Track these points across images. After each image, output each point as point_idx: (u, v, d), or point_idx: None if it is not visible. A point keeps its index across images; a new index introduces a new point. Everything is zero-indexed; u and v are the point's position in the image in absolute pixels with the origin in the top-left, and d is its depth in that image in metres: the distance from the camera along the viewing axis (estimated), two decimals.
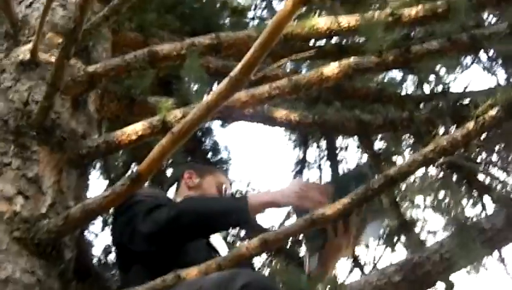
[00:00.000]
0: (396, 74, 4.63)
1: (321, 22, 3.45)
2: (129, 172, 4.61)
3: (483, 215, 3.90)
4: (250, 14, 5.53)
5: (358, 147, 5.47)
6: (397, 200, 4.59)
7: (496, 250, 1.79)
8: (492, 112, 2.20)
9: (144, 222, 2.55)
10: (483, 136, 3.61)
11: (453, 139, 2.26)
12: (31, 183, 2.60)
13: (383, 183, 2.29)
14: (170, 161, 4.95)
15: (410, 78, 4.56)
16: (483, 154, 4.16)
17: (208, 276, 2.25)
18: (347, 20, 3.43)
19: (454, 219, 1.75)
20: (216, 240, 2.78)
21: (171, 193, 3.04)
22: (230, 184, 3.16)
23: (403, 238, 5.09)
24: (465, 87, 4.01)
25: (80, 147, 2.86)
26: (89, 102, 3.14)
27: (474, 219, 2.27)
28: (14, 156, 2.64)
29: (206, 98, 2.25)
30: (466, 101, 3.82)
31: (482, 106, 2.22)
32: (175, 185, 3.08)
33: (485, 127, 2.23)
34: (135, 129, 2.90)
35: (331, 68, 3.04)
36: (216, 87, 2.22)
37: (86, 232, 3.82)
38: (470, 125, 2.24)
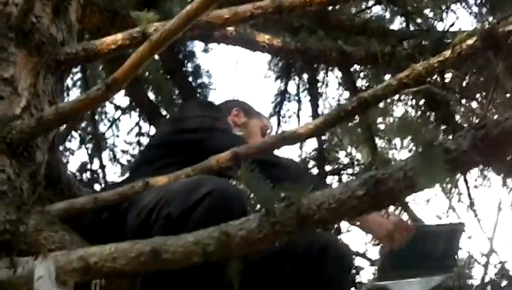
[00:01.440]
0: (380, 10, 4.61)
1: None
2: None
3: None
4: None
5: (339, 84, 5.49)
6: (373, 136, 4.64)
7: (460, 173, 1.81)
8: (470, 41, 2.21)
9: None
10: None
11: (429, 66, 2.27)
12: (7, 84, 2.58)
13: (356, 106, 2.30)
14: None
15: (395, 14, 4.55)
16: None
17: (175, 182, 2.27)
18: None
19: (418, 136, 1.76)
20: None
21: None
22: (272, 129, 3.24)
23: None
24: (449, 26, 4.01)
25: (58, 53, 2.83)
26: (70, 10, 3.10)
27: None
28: None
29: (186, 8, 2.24)
30: (449, 40, 3.83)
31: (460, 35, 2.22)
32: None
33: (461, 56, 2.23)
34: (115, 39, 2.89)
35: None
36: None
37: (59, 141, 3.82)
38: (447, 52, 2.25)
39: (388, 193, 1.81)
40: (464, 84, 3.48)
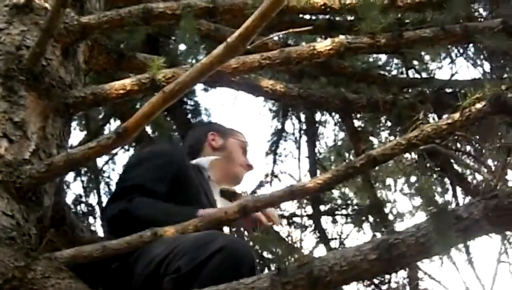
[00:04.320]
0: (382, 58, 4.66)
1: None
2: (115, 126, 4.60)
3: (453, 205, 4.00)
4: None
5: (335, 124, 5.53)
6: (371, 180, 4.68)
7: (472, 240, 1.85)
8: (479, 105, 2.24)
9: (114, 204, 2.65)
10: None
11: (438, 128, 2.30)
12: (17, 127, 2.61)
13: (365, 163, 2.33)
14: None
15: (396, 62, 4.60)
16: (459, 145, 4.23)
17: (186, 235, 2.28)
18: None
19: (432, 203, 1.79)
20: (221, 202, 2.81)
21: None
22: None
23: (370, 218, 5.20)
24: (451, 76, 4.06)
25: (67, 96, 2.86)
26: (79, 52, 3.13)
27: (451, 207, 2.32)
28: (2, 99, 2.65)
29: (201, 61, 2.27)
30: (449, 89, 3.88)
31: (469, 98, 2.25)
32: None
33: (470, 119, 2.27)
34: (124, 84, 2.91)
35: (324, 44, 3.07)
36: (212, 52, 2.24)
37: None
38: (456, 115, 2.28)
39: (400, 258, 1.84)
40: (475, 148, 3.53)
